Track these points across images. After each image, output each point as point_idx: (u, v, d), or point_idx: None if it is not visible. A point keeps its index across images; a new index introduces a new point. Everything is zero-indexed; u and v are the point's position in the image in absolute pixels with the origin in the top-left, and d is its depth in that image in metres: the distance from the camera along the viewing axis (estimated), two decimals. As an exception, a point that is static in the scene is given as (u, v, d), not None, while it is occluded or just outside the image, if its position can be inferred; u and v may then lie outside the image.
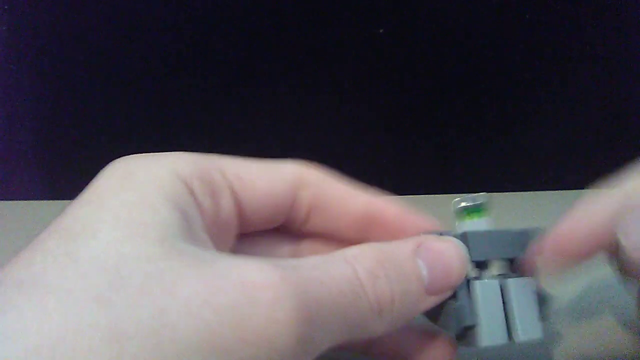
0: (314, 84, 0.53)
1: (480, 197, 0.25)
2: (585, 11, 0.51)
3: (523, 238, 0.24)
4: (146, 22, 0.52)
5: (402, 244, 0.22)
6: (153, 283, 0.16)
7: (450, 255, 0.22)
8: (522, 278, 0.24)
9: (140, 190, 0.19)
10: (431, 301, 0.22)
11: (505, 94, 0.54)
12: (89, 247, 0.17)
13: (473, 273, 0.24)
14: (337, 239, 0.25)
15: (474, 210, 0.25)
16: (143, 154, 0.21)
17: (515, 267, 0.25)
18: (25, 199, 0.55)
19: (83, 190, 0.20)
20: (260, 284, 0.17)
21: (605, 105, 0.53)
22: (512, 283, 0.24)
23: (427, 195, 0.42)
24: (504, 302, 0.23)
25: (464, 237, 0.24)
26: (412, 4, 0.51)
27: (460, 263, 0.23)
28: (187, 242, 0.18)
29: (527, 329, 0.23)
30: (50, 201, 0.53)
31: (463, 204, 0.25)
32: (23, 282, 0.16)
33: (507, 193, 0.49)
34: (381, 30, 0.52)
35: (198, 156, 0.22)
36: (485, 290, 0.23)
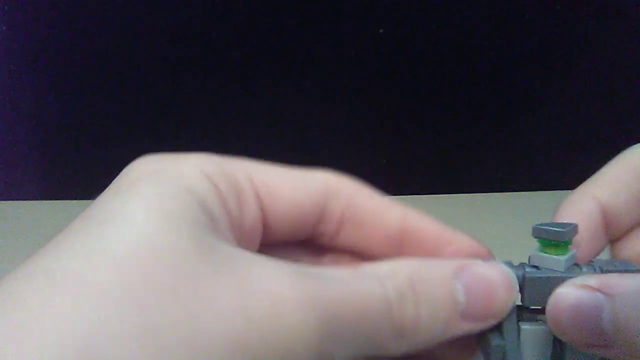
0: (314, 83, 0.53)
1: (566, 229, 0.23)
2: (585, 11, 0.51)
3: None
4: (146, 22, 0.52)
5: (442, 264, 0.21)
6: (186, 285, 0.16)
7: (494, 281, 0.21)
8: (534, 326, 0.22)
9: (172, 184, 0.19)
10: (468, 327, 0.20)
11: (505, 94, 0.54)
12: (121, 237, 0.17)
13: (526, 317, 0.22)
14: (366, 255, 0.24)
15: (552, 244, 0.23)
16: (167, 153, 0.20)
17: None
18: (25, 199, 0.55)
19: (109, 185, 0.19)
20: (288, 297, 0.17)
21: (606, 105, 0.53)
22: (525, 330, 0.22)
23: (427, 195, 0.42)
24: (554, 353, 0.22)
25: (521, 279, 0.22)
26: (412, 4, 0.51)
27: (506, 291, 0.21)
28: (218, 239, 0.18)
29: None
30: (50, 201, 0.53)
31: (543, 235, 0.23)
32: (54, 272, 0.16)
33: (507, 193, 0.49)
34: (381, 31, 0.52)
35: (224, 158, 0.21)
36: (533, 336, 0.22)
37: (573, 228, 0.22)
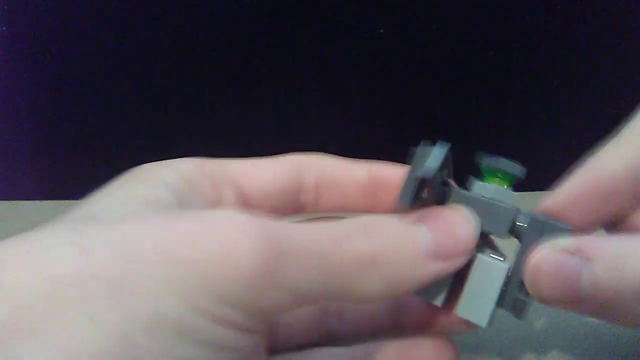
0: (313, 83, 0.53)
1: (513, 166, 0.24)
2: (585, 11, 0.51)
3: (507, 216, 0.23)
4: (146, 22, 0.52)
5: (401, 216, 0.22)
6: (124, 218, 0.19)
7: (456, 220, 0.22)
8: (495, 260, 0.23)
9: (144, 180, 0.22)
10: (436, 267, 0.21)
11: (505, 94, 0.54)
12: (79, 210, 0.20)
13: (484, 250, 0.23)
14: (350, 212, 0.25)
15: (492, 173, 0.24)
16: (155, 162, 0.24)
17: (489, 243, 0.24)
18: (25, 199, 0.55)
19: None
20: (223, 216, 0.18)
21: (606, 105, 0.53)
22: (482, 260, 0.23)
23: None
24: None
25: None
26: (412, 4, 0.51)
27: (469, 226, 0.22)
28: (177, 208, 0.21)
29: (471, 308, 0.22)
30: (50, 201, 0.53)
31: (485, 162, 0.24)
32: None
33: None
34: (381, 31, 0.52)
35: (202, 159, 0.24)
36: (487, 268, 0.23)
37: (522, 170, 0.24)
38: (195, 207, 0.22)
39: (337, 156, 0.26)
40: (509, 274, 0.23)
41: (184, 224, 0.18)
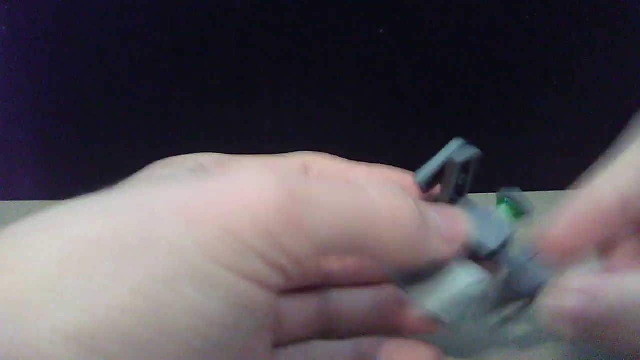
0: (313, 84, 0.53)
1: (526, 202, 0.26)
2: (585, 11, 0.51)
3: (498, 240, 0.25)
4: (146, 22, 0.52)
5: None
6: (146, 183, 0.20)
7: (457, 214, 0.24)
8: (479, 272, 0.24)
9: (163, 164, 0.23)
10: (442, 247, 0.22)
11: (505, 94, 0.54)
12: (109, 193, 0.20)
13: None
14: None
15: (513, 209, 0.26)
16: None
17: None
18: (25, 199, 0.55)
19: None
20: (241, 171, 0.18)
21: (606, 105, 0.53)
22: (455, 268, 0.24)
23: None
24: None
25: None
26: (412, 4, 0.51)
27: (465, 220, 0.24)
28: None
29: (441, 307, 0.23)
30: (50, 201, 0.53)
31: (507, 197, 0.26)
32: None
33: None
34: (381, 31, 0.52)
35: (219, 154, 0.25)
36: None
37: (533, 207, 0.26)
38: None
39: (337, 157, 0.27)
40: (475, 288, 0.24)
41: (201, 182, 0.18)
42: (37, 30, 0.52)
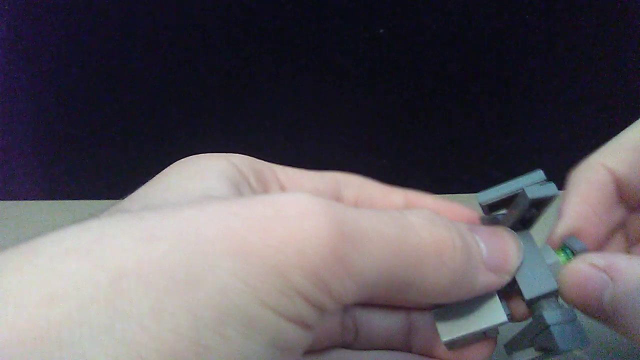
0: (313, 84, 0.53)
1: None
2: (585, 11, 0.51)
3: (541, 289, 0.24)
4: (146, 22, 0.52)
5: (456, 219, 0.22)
6: (186, 204, 0.18)
7: (507, 237, 0.23)
8: (502, 309, 0.23)
9: (199, 173, 0.21)
10: (490, 278, 0.21)
11: (505, 94, 0.54)
12: (135, 202, 0.19)
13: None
14: None
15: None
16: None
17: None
18: (25, 199, 0.55)
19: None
20: (290, 200, 0.17)
21: (606, 105, 0.53)
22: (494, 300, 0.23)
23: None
24: None
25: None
26: (412, 4, 0.51)
27: (517, 248, 0.23)
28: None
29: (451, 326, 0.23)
30: (50, 201, 0.53)
31: (569, 249, 0.25)
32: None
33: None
34: (381, 31, 0.52)
35: (251, 158, 0.24)
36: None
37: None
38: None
39: (374, 180, 0.26)
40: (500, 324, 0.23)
41: (248, 209, 0.17)
42: (37, 30, 0.52)
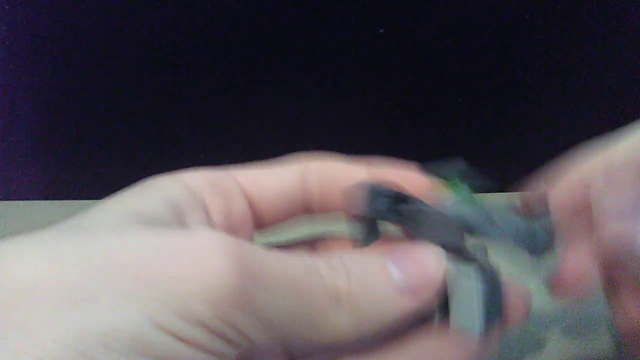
0: (313, 84, 0.53)
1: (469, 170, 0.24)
2: (585, 11, 0.51)
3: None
4: (146, 22, 0.52)
5: (369, 252, 0.22)
6: (106, 231, 0.19)
7: (423, 255, 0.22)
8: (467, 280, 0.22)
9: (145, 194, 0.22)
10: (410, 303, 0.21)
11: (505, 94, 0.54)
12: (70, 220, 0.20)
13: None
14: None
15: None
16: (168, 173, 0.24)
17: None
18: (25, 199, 0.55)
19: None
20: (204, 237, 0.18)
21: (606, 105, 0.53)
22: (457, 280, 0.22)
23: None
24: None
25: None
26: (412, 4, 0.51)
27: (436, 262, 0.22)
28: (167, 224, 0.21)
29: (462, 321, 0.22)
30: (50, 201, 0.53)
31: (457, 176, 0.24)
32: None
33: (507, 193, 0.49)
34: (381, 31, 0.52)
35: (212, 170, 0.25)
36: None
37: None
38: (194, 222, 0.22)
39: (337, 156, 0.27)
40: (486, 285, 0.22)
41: (163, 241, 0.18)
42: (37, 30, 0.52)
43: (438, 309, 0.23)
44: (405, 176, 0.26)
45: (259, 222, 0.26)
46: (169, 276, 0.17)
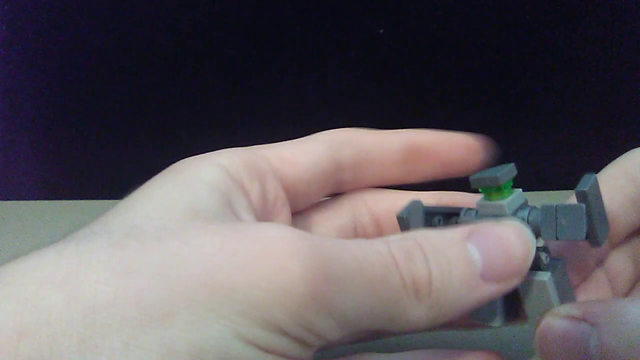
0: (313, 84, 0.53)
1: (499, 173, 0.23)
2: (585, 11, 0.51)
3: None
4: (146, 22, 0.52)
5: (449, 230, 0.20)
6: (169, 234, 0.17)
7: (509, 238, 0.20)
8: (536, 277, 0.21)
9: (185, 182, 0.20)
10: (491, 290, 0.20)
11: (505, 94, 0.54)
12: (118, 218, 0.19)
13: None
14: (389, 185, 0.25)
15: (493, 190, 0.23)
16: (198, 155, 0.23)
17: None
18: (25, 199, 0.55)
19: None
20: (276, 237, 0.17)
21: (606, 105, 0.53)
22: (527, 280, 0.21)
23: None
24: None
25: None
26: (412, 4, 0.51)
27: (523, 246, 0.20)
28: (222, 216, 0.19)
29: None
30: (50, 201, 0.53)
31: (481, 184, 0.23)
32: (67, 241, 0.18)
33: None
34: (381, 31, 0.52)
35: (242, 149, 0.23)
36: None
37: (509, 169, 0.23)
38: (242, 209, 0.21)
39: (368, 129, 0.25)
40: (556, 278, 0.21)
41: (235, 244, 0.17)
42: (37, 30, 0.52)
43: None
44: (452, 197, 0.25)
45: (294, 204, 0.24)
46: (244, 283, 0.16)
